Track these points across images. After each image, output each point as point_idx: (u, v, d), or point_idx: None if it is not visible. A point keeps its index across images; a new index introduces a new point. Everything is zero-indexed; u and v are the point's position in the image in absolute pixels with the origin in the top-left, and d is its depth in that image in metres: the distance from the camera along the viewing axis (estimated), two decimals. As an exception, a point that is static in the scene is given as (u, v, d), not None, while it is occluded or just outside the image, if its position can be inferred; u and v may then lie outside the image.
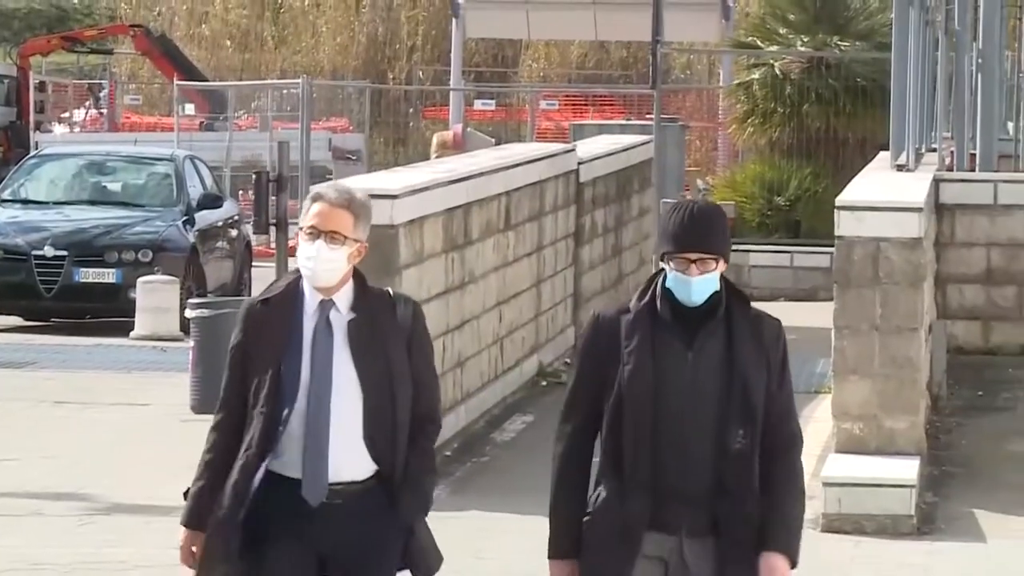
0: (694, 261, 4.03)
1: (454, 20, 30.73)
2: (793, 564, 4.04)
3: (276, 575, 4.23)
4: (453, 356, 12.72)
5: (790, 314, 13.51)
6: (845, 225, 11.79)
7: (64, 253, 17.13)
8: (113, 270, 17.07)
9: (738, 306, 4.16)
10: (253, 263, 19.57)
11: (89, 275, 17.20)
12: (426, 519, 4.36)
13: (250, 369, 4.26)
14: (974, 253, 14.90)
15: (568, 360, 15.16)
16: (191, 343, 12.74)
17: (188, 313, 13.32)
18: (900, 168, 14.43)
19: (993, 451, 12.59)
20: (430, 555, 4.33)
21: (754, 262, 20.88)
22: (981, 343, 15.04)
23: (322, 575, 4.24)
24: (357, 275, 4.34)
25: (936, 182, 14.27)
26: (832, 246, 13.94)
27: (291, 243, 13.39)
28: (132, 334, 16.23)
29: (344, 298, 4.29)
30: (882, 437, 11.45)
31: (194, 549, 4.25)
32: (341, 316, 4.27)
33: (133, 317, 16.44)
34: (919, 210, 12.06)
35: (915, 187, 13.18)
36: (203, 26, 35.20)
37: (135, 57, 32.91)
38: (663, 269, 4.07)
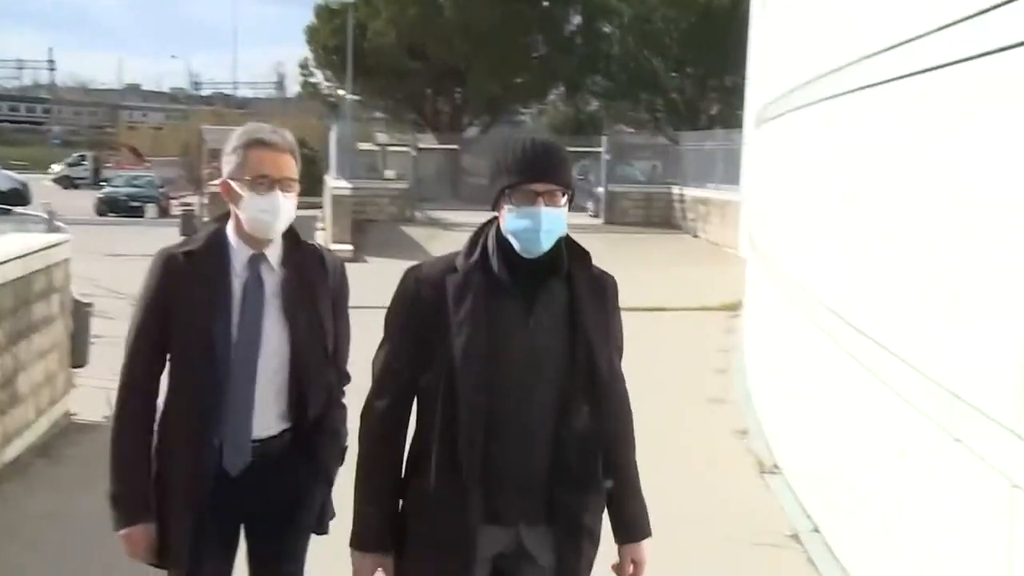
0: (541, 194, 2.84)
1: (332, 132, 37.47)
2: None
3: (207, 546, 3.31)
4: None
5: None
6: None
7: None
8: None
9: (577, 263, 2.98)
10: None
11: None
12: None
13: (172, 324, 3.29)
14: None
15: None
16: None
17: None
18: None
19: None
20: (328, 512, 3.55)
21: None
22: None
23: (248, 528, 3.45)
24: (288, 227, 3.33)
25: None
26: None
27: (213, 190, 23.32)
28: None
29: (275, 251, 3.39)
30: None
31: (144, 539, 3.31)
32: (272, 271, 3.37)
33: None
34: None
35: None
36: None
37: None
38: (493, 220, 2.95)
